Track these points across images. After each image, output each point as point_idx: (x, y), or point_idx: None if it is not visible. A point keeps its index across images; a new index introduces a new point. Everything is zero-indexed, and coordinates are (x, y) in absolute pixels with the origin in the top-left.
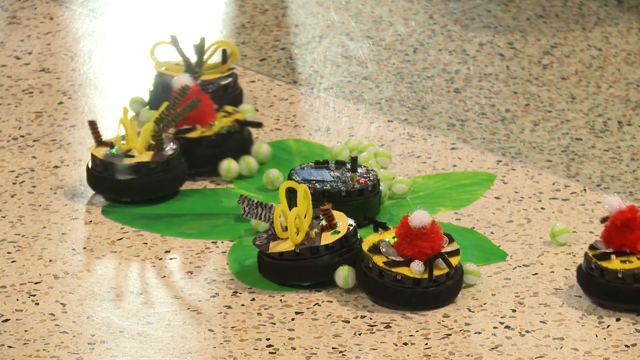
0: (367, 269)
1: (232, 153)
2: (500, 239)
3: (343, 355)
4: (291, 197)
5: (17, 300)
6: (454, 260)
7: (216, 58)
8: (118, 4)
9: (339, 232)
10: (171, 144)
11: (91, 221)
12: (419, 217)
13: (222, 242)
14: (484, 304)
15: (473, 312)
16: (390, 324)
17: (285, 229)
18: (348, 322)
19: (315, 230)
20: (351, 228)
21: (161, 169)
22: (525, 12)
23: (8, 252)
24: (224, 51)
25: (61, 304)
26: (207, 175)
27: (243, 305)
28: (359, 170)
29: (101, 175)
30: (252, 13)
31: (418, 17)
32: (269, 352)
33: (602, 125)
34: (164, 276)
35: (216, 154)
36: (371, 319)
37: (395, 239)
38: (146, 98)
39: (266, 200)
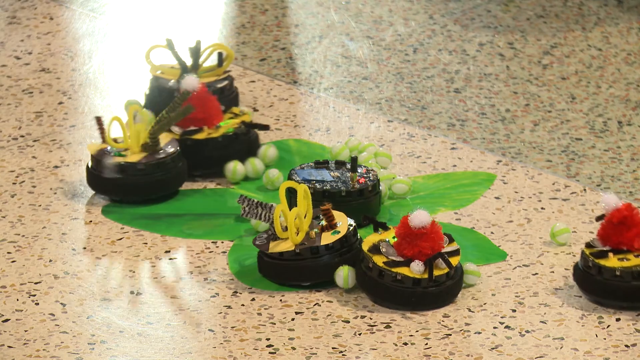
0: (367, 269)
1: (238, 155)
2: (500, 239)
3: (343, 355)
4: (291, 197)
5: (17, 300)
6: (454, 260)
7: (213, 60)
8: (118, 4)
9: (339, 232)
10: (169, 147)
11: (91, 221)
12: (419, 217)
13: (222, 242)
14: (484, 304)
15: (473, 312)
16: (390, 324)
17: (285, 229)
18: (348, 322)
19: (315, 230)
20: (351, 228)
21: (150, 171)
22: (525, 12)
23: (8, 252)
24: (220, 54)
25: (61, 304)
26: (214, 176)
27: (243, 305)
28: (359, 170)
29: (94, 173)
30: (252, 13)
31: (418, 17)
32: (269, 352)
33: (602, 125)
34: (164, 276)
35: (222, 155)
36: (371, 319)
37: (395, 239)
38: (142, 101)
39: (266, 200)
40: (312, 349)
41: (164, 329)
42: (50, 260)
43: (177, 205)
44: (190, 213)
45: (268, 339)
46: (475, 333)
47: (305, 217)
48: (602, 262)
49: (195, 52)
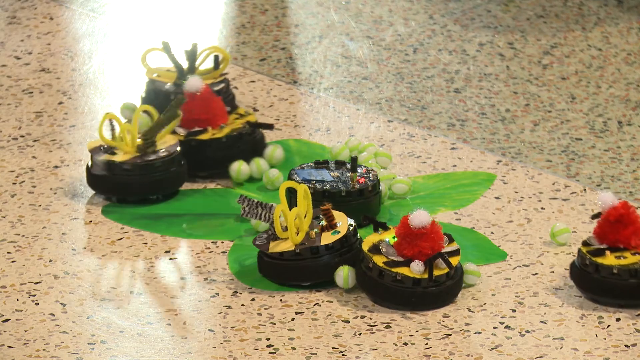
0: (367, 269)
1: (243, 155)
2: (500, 239)
3: (343, 355)
4: (291, 197)
5: (17, 300)
6: (454, 260)
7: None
8: (118, 4)
9: (339, 232)
10: (165, 150)
11: (91, 221)
12: (419, 217)
13: (222, 242)
14: (484, 304)
15: (473, 312)
16: (390, 324)
17: (285, 229)
18: (348, 322)
19: (315, 230)
20: (351, 228)
21: (136, 172)
22: (525, 12)
23: (8, 252)
24: (216, 57)
25: (61, 304)
26: (219, 177)
27: (243, 305)
28: (359, 170)
29: (89, 168)
30: (252, 13)
31: (418, 17)
32: (269, 352)
33: (602, 125)
34: (164, 276)
35: (227, 156)
36: (371, 319)
37: (395, 239)
38: (138, 104)
39: (266, 200)
40: (312, 349)
41: (164, 329)
42: (50, 260)
43: (177, 205)
44: (190, 213)
45: (268, 339)
46: (475, 333)
47: (305, 217)
48: (600, 260)
49: (192, 55)
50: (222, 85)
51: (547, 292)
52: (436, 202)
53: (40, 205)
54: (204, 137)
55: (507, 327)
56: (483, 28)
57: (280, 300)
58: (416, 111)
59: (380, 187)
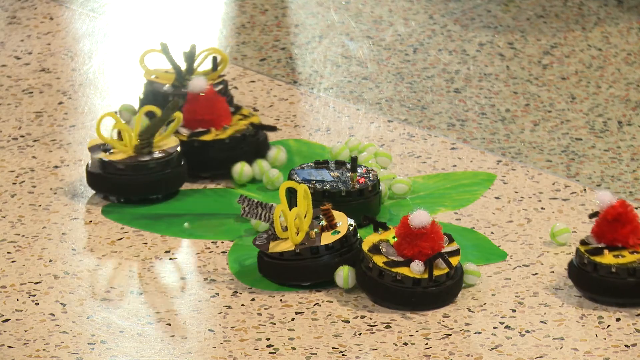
0: (367, 269)
1: (246, 156)
2: (500, 239)
3: (343, 355)
4: (291, 197)
5: (17, 300)
6: (454, 260)
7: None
8: (118, 4)
9: (339, 232)
10: (162, 152)
11: (91, 221)
12: (419, 217)
13: (222, 242)
14: (484, 304)
15: (473, 312)
16: (390, 324)
17: (285, 229)
18: (348, 322)
19: (315, 230)
20: (351, 228)
21: (128, 172)
22: (525, 12)
23: (8, 252)
24: (215, 58)
25: (61, 304)
26: (222, 178)
27: (243, 305)
28: (359, 170)
29: (87, 166)
30: (252, 13)
31: (418, 17)
32: (269, 352)
33: (602, 125)
34: (164, 276)
35: (229, 157)
36: (371, 319)
37: (395, 239)
38: (136, 106)
39: (266, 200)
40: (312, 349)
41: (164, 329)
42: (50, 260)
43: (177, 205)
44: (190, 213)
45: (268, 339)
46: (475, 333)
47: (305, 217)
48: (598, 259)
49: (190, 57)
50: (221, 86)
51: (547, 292)
52: (436, 202)
53: (40, 205)
54: (207, 138)
55: (507, 327)
56: (483, 28)
57: (280, 300)
58: (416, 111)
59: (380, 187)
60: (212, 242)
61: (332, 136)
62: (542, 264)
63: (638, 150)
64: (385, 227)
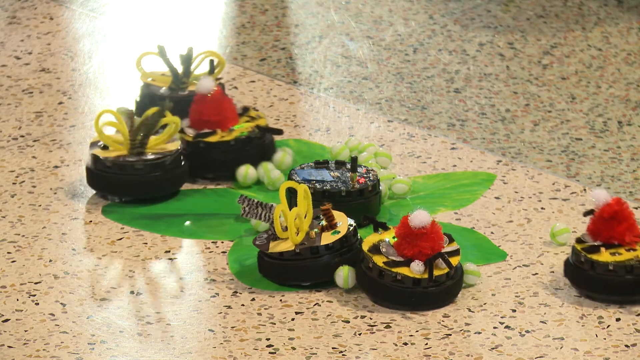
0: (367, 269)
1: (251, 159)
2: (500, 239)
3: (343, 355)
4: (291, 197)
5: (17, 300)
6: (454, 260)
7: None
8: (118, 4)
9: (339, 232)
10: (156, 154)
11: (91, 221)
12: (419, 217)
13: (222, 242)
14: (484, 304)
15: (473, 312)
16: (390, 324)
17: (285, 229)
18: (348, 322)
19: (315, 230)
20: (351, 228)
21: (115, 170)
22: (525, 12)
23: (8, 252)
24: (212, 61)
25: (61, 304)
26: (226, 180)
27: (243, 305)
28: (359, 170)
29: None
30: (252, 13)
31: (418, 17)
32: (269, 352)
33: (602, 125)
34: (164, 276)
35: (235, 159)
36: (371, 319)
37: (395, 239)
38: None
39: (266, 201)
40: (312, 349)
41: (164, 329)
42: (50, 260)
43: (177, 205)
44: (190, 213)
45: (268, 339)
46: (475, 333)
47: (305, 217)
48: (595, 257)
49: (187, 60)
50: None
51: (547, 292)
52: (436, 202)
53: (40, 205)
54: (212, 139)
55: (507, 327)
56: (483, 28)
57: (280, 300)
58: (416, 111)
59: (380, 187)
60: (212, 242)
61: (332, 136)
62: (542, 264)
63: (638, 150)
64: (385, 227)
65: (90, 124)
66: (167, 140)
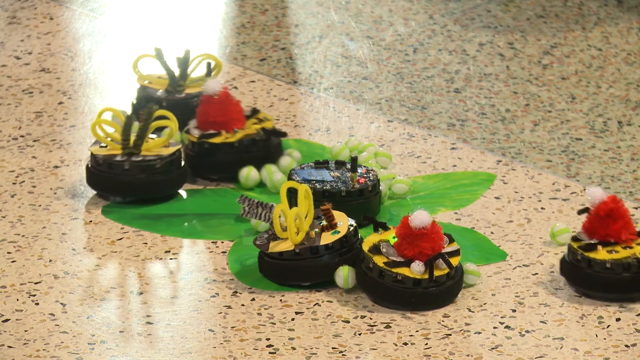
0: (368, 269)
1: (255, 161)
2: (500, 239)
3: (343, 355)
4: (291, 197)
5: (17, 300)
6: (454, 261)
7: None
8: (118, 4)
9: (339, 232)
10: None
11: (91, 221)
12: (420, 218)
13: (222, 242)
14: (484, 304)
15: (473, 312)
16: (390, 324)
17: (285, 229)
18: (348, 322)
19: (315, 230)
20: (351, 228)
21: (104, 169)
22: (525, 12)
23: (8, 252)
24: (209, 64)
25: (61, 304)
26: (229, 181)
27: (243, 305)
28: (359, 170)
29: None
30: (252, 13)
31: (418, 17)
32: (269, 352)
33: (602, 125)
34: (164, 276)
35: (238, 160)
36: (371, 319)
37: (396, 239)
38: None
39: (266, 201)
40: (312, 349)
41: (164, 329)
42: (50, 260)
43: (177, 205)
44: (190, 213)
45: (268, 339)
46: (475, 333)
47: (306, 218)
48: (592, 255)
49: (184, 62)
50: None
51: (547, 292)
52: (436, 202)
53: (40, 205)
54: (217, 140)
55: (507, 327)
56: (483, 28)
57: (280, 300)
58: (416, 111)
59: (380, 187)
60: (212, 242)
61: (332, 136)
62: (542, 264)
63: (638, 150)
64: (385, 227)
65: (90, 124)
66: (165, 143)
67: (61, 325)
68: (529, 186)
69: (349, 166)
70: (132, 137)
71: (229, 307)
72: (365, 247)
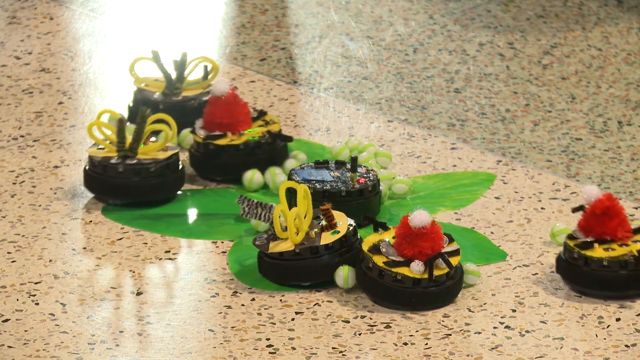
0: (367, 269)
1: (260, 163)
2: (500, 239)
3: (343, 355)
4: (291, 197)
5: (17, 300)
6: (454, 260)
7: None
8: (118, 4)
9: (339, 232)
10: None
11: (91, 221)
12: (419, 217)
13: (222, 242)
14: (484, 304)
15: (473, 312)
16: (390, 324)
17: (285, 229)
18: (348, 322)
19: (315, 230)
20: (351, 228)
21: (98, 170)
22: (525, 12)
23: (8, 252)
24: (205, 67)
25: (61, 304)
26: (233, 183)
27: (243, 305)
28: (359, 170)
29: None
30: (252, 13)
31: (418, 17)
32: (269, 352)
33: (602, 125)
34: (164, 276)
35: (243, 162)
36: (371, 319)
37: (395, 239)
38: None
39: (266, 201)
40: (312, 349)
41: (164, 329)
42: (50, 260)
43: (177, 206)
44: (190, 213)
45: (268, 339)
46: (475, 333)
47: (305, 217)
48: (589, 253)
49: (181, 65)
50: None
51: (547, 292)
52: (436, 202)
53: (40, 205)
54: (222, 142)
55: (507, 327)
56: (483, 28)
57: (280, 300)
58: (416, 111)
59: (380, 187)
60: (212, 242)
61: (332, 136)
62: (542, 264)
63: (638, 150)
64: (385, 227)
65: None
66: (161, 147)
67: (61, 325)
68: (529, 186)
69: (349, 166)
70: (128, 140)
71: (229, 307)
72: (365, 247)
